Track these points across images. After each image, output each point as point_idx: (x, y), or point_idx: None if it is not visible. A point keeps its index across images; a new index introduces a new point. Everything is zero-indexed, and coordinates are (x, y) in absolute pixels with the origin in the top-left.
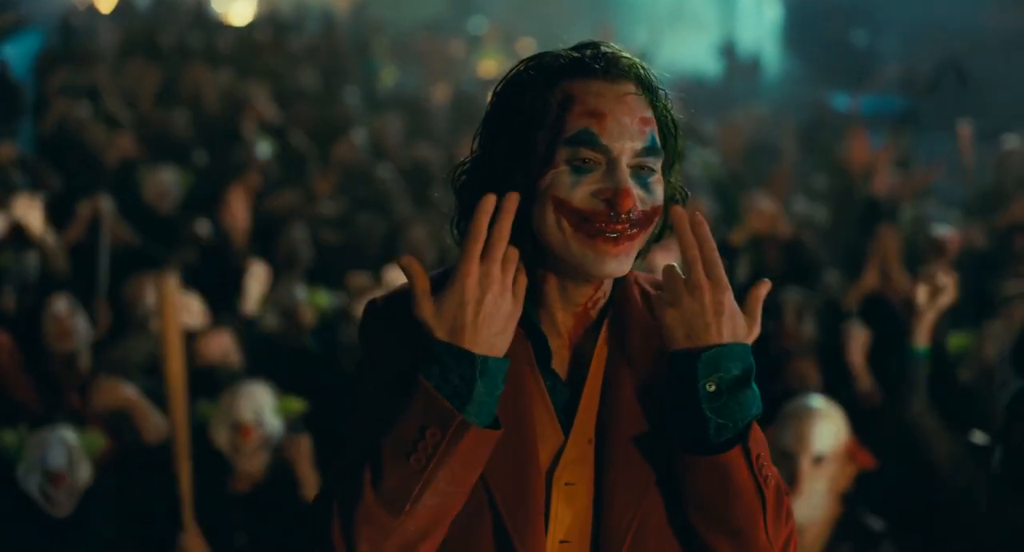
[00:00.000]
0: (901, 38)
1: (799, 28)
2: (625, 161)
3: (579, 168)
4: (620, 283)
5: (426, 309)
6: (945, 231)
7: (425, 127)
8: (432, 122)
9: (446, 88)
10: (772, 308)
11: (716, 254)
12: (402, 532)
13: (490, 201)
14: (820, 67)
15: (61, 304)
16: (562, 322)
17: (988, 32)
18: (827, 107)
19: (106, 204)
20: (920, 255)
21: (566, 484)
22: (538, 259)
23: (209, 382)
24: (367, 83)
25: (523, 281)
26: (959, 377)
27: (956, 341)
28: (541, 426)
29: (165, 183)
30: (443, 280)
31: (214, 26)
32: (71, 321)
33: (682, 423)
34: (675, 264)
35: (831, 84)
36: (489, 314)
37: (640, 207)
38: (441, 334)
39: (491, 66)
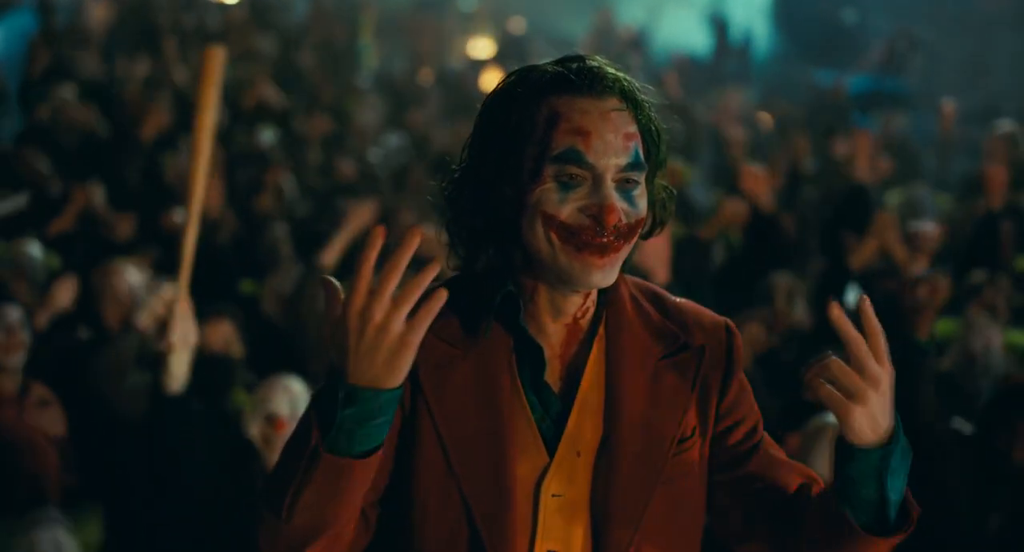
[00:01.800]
0: (892, 17)
1: (789, 6)
2: (610, 177)
3: (566, 184)
4: (610, 291)
5: (327, 333)
6: (924, 226)
7: (414, 108)
8: (423, 103)
9: (430, 72)
10: (761, 293)
11: (884, 343)
12: (285, 536)
13: (379, 235)
14: (810, 46)
15: (14, 314)
16: (553, 333)
17: (979, 11)
18: (842, 92)
19: (97, 193)
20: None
21: (553, 496)
22: (528, 270)
23: (211, 372)
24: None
25: (426, 313)
26: (942, 364)
27: (941, 327)
28: (523, 439)
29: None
30: (455, 286)
31: (204, 6)
32: (20, 334)
33: (858, 504)
34: (837, 358)
35: (820, 63)
36: (370, 346)
37: (625, 220)
38: (335, 360)
39: (481, 46)
